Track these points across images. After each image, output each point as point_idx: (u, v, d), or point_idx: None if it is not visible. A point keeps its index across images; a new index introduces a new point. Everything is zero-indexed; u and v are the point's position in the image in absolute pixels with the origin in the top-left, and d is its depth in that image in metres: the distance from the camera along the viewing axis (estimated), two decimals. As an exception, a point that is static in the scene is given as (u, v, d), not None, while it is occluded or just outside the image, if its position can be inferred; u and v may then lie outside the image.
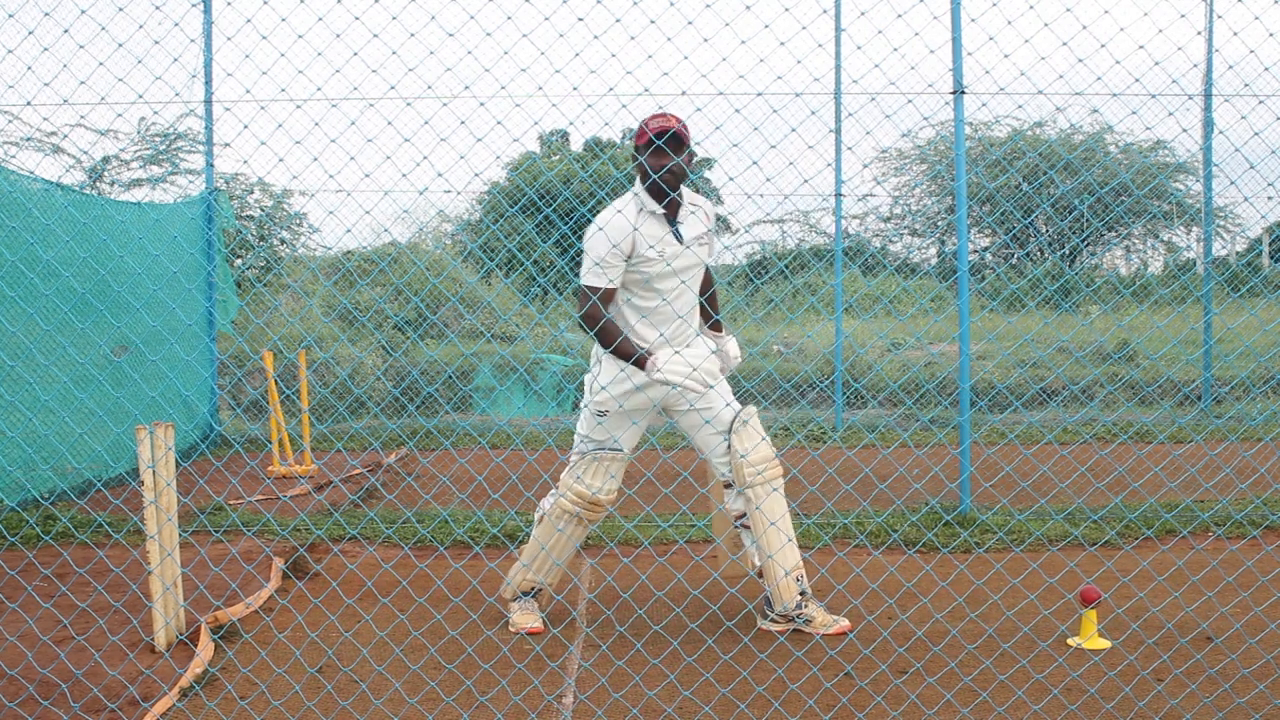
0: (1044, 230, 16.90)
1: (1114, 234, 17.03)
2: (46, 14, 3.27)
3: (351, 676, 3.58)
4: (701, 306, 4.20)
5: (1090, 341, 11.24)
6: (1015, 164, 14.76)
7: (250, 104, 3.29)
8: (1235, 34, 3.58)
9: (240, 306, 9.36)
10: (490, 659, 3.69)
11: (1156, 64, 3.57)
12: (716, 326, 4.24)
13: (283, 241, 14.13)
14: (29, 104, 3.50)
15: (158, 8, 3.43)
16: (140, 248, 7.61)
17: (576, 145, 15.66)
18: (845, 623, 4.02)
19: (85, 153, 13.46)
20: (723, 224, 16.27)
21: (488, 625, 4.12)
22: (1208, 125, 9.00)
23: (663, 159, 3.81)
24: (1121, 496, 6.05)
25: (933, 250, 17.16)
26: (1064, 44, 3.53)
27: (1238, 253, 16.27)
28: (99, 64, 3.22)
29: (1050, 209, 15.61)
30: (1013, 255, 17.01)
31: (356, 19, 3.12)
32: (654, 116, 3.84)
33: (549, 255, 12.05)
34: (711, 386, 3.86)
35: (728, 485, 4.07)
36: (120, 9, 3.30)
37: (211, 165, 8.77)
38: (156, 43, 3.51)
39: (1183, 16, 3.41)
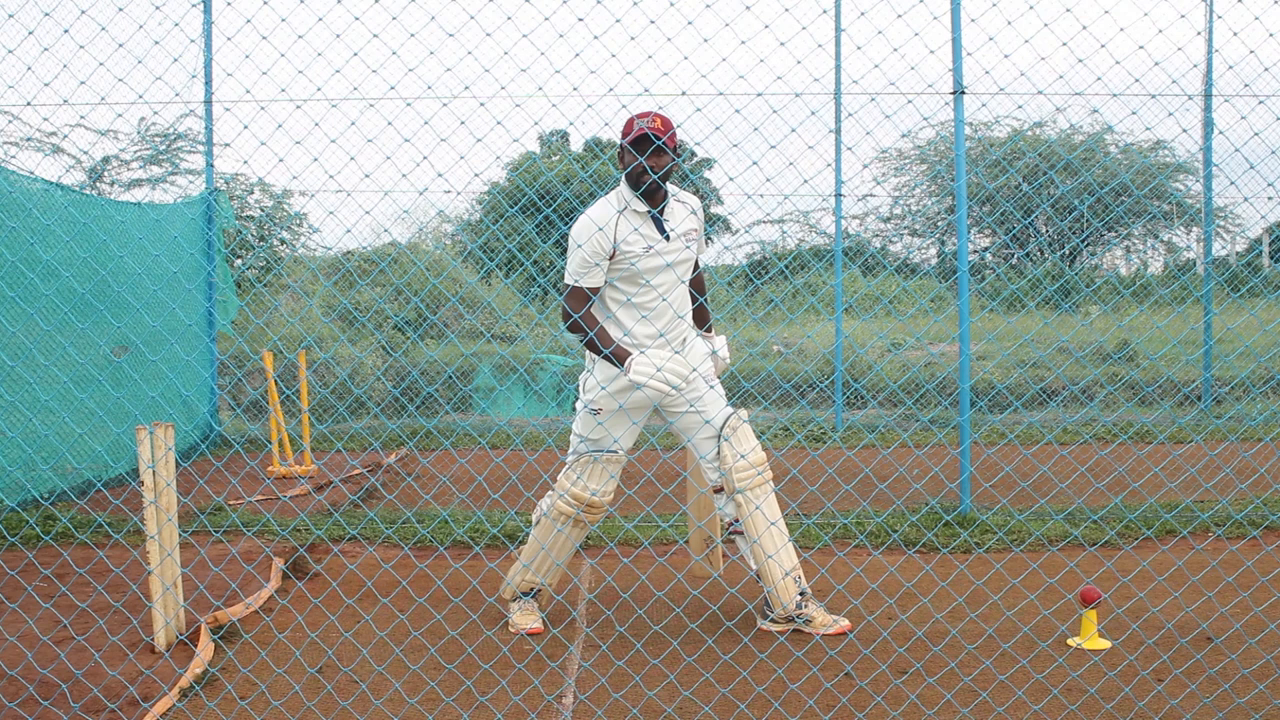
0: (1044, 230, 16.90)
1: (1114, 234, 17.03)
2: (46, 14, 3.28)
3: (351, 676, 3.58)
4: (697, 310, 4.20)
5: (1090, 341, 11.24)
6: (1015, 164, 14.76)
7: (250, 104, 3.29)
8: (1235, 34, 3.58)
9: (240, 307, 9.36)
10: (490, 659, 3.69)
11: (1156, 64, 3.57)
12: (709, 328, 4.25)
13: (283, 242, 14.13)
14: (29, 104, 3.50)
15: (158, 8, 3.43)
16: (140, 248, 7.61)
17: (576, 145, 15.67)
18: (845, 623, 4.02)
19: (85, 153, 13.47)
20: (723, 224, 16.27)
21: (488, 625, 4.12)
22: (1208, 125, 9.01)
23: (649, 158, 3.80)
24: (1121, 496, 6.05)
25: (933, 250, 17.16)
26: (1064, 44, 3.53)
27: (1238, 253, 16.27)
28: (99, 64, 3.23)
29: (1050, 209, 15.61)
30: (1013, 255, 17.01)
31: (356, 19, 3.13)
32: (641, 114, 3.84)
33: (549, 255, 12.05)
34: (677, 388, 3.85)
35: (717, 490, 4.06)
36: (120, 9, 3.30)
37: (211, 165, 8.77)
38: (156, 43, 3.51)
39: (1183, 17, 3.41)
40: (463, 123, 3.30)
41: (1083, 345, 11.19)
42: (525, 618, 4.11)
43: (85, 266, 6.66)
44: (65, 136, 13.02)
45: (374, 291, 12.31)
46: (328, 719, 3.22)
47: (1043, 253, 16.84)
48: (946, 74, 5.46)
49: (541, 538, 4.10)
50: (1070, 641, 3.82)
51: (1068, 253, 16.64)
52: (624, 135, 3.84)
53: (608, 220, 3.84)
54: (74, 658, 3.70)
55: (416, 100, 3.19)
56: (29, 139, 12.38)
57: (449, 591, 4.42)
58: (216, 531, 5.52)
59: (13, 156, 12.77)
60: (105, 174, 13.86)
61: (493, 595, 4.36)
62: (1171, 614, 4.09)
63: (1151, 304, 12.60)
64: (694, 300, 4.17)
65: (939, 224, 16.87)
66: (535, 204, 12.54)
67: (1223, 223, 16.69)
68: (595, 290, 3.89)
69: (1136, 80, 3.59)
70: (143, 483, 3.70)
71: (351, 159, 3.34)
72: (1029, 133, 15.65)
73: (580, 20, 3.24)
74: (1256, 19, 3.68)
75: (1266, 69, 3.52)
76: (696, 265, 4.18)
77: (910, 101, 3.73)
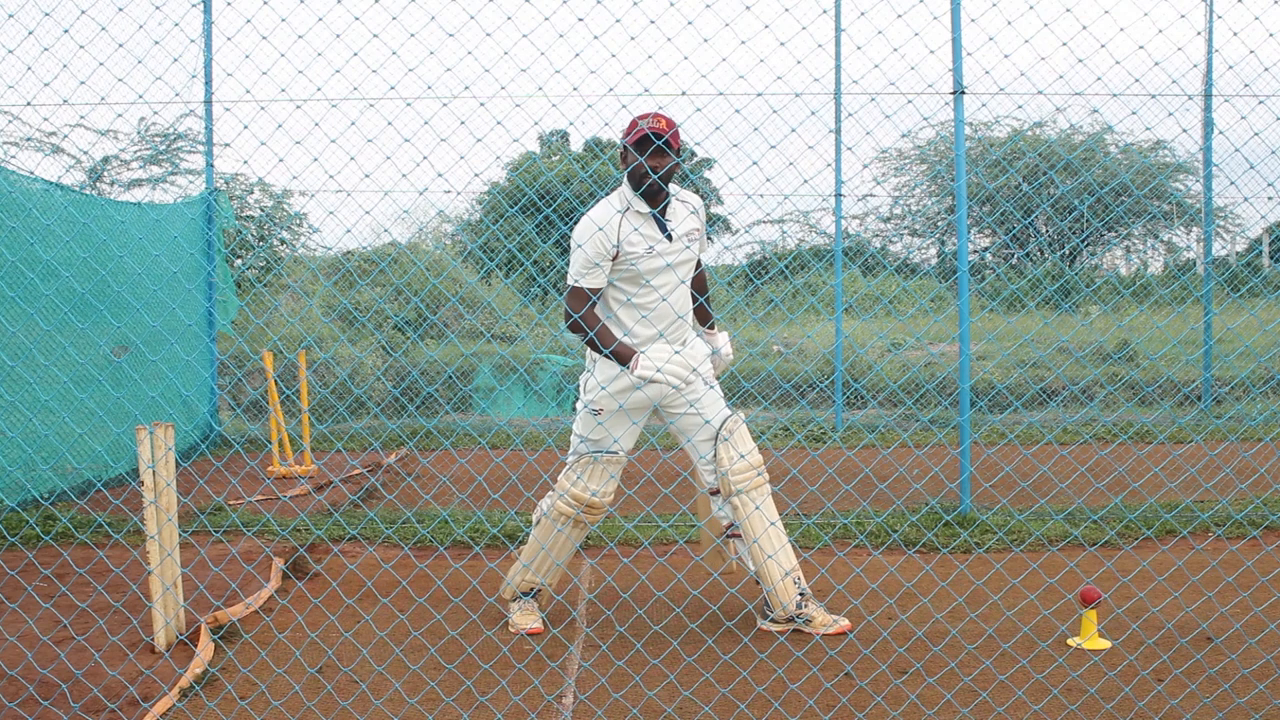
0: (1044, 230, 16.90)
1: (1114, 234, 17.03)
2: (47, 14, 3.28)
3: (351, 676, 3.58)
4: (699, 309, 4.20)
5: (1090, 341, 11.24)
6: (1015, 164, 14.76)
7: (250, 104, 3.29)
8: (1235, 34, 3.58)
9: (240, 307, 9.36)
10: (490, 659, 3.69)
11: (1156, 64, 3.57)
12: (711, 326, 4.24)
13: (283, 241, 14.12)
14: (29, 104, 3.50)
15: (158, 8, 3.44)
16: (140, 248, 7.61)
17: (576, 145, 15.67)
18: (845, 623, 4.02)
19: (85, 153, 13.47)
20: (723, 224, 16.27)
21: (488, 625, 4.12)
22: (1208, 125, 9.01)
23: (651, 159, 3.80)
24: (1121, 496, 6.05)
25: (933, 250, 17.16)
26: (1064, 44, 3.53)
27: (1238, 253, 16.27)
28: (99, 64, 3.23)
29: (1050, 209, 15.61)
30: (1013, 255, 17.01)
31: (356, 19, 3.13)
32: (643, 115, 3.83)
33: (549, 255, 12.05)
34: (680, 385, 3.82)
35: (714, 492, 4.06)
36: (120, 9, 3.30)
37: (211, 165, 8.77)
38: (156, 43, 3.51)
39: (1183, 17, 3.41)
40: (463, 123, 3.30)
41: (1083, 345, 11.19)
42: (525, 618, 4.11)
43: (85, 266, 6.66)
44: (65, 136, 13.03)
45: (374, 291, 12.32)
46: (328, 719, 3.22)
47: (1043, 253, 16.85)
48: (946, 74, 5.46)
49: (541, 538, 4.10)
50: (1070, 641, 3.82)
51: (1068, 253, 16.64)
52: (626, 135, 3.84)
53: (609, 221, 3.84)
54: (74, 658, 3.70)
55: (416, 100, 3.19)
56: (29, 139, 12.38)
57: (449, 591, 4.42)
58: (216, 531, 5.52)
59: (13, 156, 12.77)
60: (105, 174, 13.86)
61: (493, 595, 4.36)
62: (1171, 614, 4.09)
63: (1151, 304, 12.60)
64: (695, 300, 4.17)
65: (939, 224, 16.87)
66: (535, 204, 12.54)
67: (1223, 223, 16.69)
68: (596, 291, 3.88)
69: (1136, 80, 3.59)
70: (143, 483, 3.70)
71: (351, 159, 3.34)
72: (1029, 133, 15.65)
73: (580, 20, 3.24)
74: (1256, 19, 3.68)
75: (1266, 69, 3.52)
76: (698, 264, 4.18)
77: (910, 101, 3.73)
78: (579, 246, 3.85)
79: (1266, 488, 6.23)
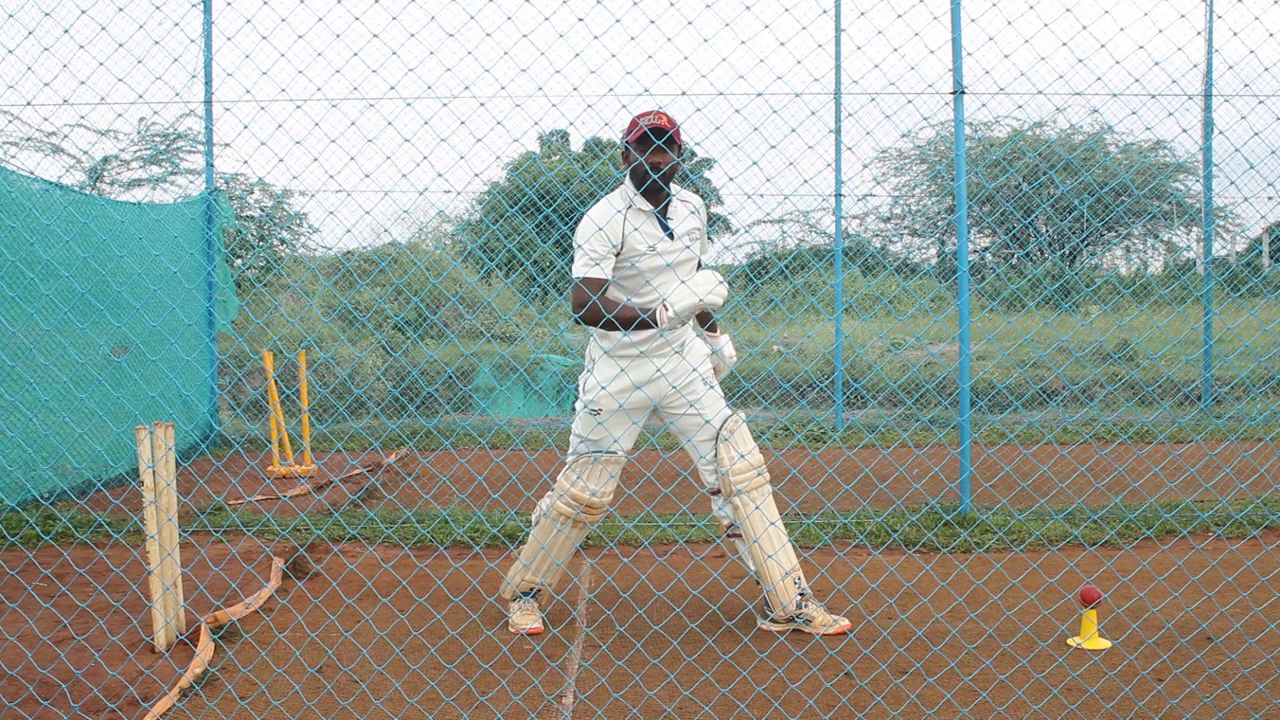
0: (1044, 230, 16.90)
1: (1114, 234, 17.03)
2: (47, 14, 3.28)
3: (351, 676, 3.58)
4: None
5: (1090, 341, 11.24)
6: (1015, 164, 14.76)
7: (250, 104, 3.29)
8: (1235, 34, 3.58)
9: (240, 306, 9.36)
10: (490, 659, 3.69)
11: (1156, 64, 3.57)
12: (713, 328, 4.24)
13: (283, 241, 14.13)
14: (29, 104, 3.50)
15: (158, 8, 3.44)
16: (140, 248, 7.61)
17: (576, 145, 15.67)
18: (845, 623, 4.02)
19: (85, 153, 13.46)
20: (723, 224, 16.27)
21: (488, 625, 4.12)
22: (1208, 125, 9.01)
23: (653, 156, 3.79)
24: (1121, 496, 6.05)
25: (933, 250, 17.16)
26: (1064, 44, 3.53)
27: (1238, 253, 16.27)
28: (99, 64, 3.23)
29: (1050, 209, 15.61)
30: (1013, 255, 17.01)
31: (356, 19, 3.13)
32: (644, 114, 3.83)
33: (549, 255, 12.05)
34: (718, 302, 3.74)
35: (714, 493, 4.06)
36: (120, 9, 3.30)
37: (211, 165, 8.77)
38: (156, 43, 3.51)
39: (1183, 17, 3.41)
40: (463, 123, 3.30)
41: (1083, 345, 11.19)
42: (525, 618, 4.11)
43: (85, 266, 6.66)
44: (65, 136, 13.03)
45: (374, 291, 12.32)
46: (328, 719, 3.22)
47: (1043, 253, 16.84)
48: (946, 74, 5.46)
49: (541, 538, 4.10)
50: (1070, 641, 3.82)
51: (1068, 253, 16.64)
52: (627, 134, 3.84)
53: (611, 219, 3.83)
54: (74, 658, 3.70)
55: (416, 100, 3.19)
56: (29, 139, 12.38)
57: (449, 591, 4.42)
58: (216, 531, 5.52)
59: (13, 156, 12.77)
60: (105, 174, 13.86)
61: (493, 595, 4.36)
62: (1171, 614, 4.09)
63: (1151, 304, 12.60)
64: None
65: (939, 224, 16.87)
66: (535, 204, 12.54)
67: (1223, 223, 16.69)
68: (604, 282, 3.83)
69: (1136, 80, 3.59)
70: (143, 483, 3.70)
71: (351, 159, 3.34)
72: (1029, 133, 15.65)
73: (580, 20, 3.24)
74: (1256, 19, 3.68)
75: (1266, 69, 3.52)
76: (699, 265, 4.17)
77: (910, 101, 3.73)
78: (580, 246, 3.84)
79: (1266, 488, 6.23)
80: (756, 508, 3.97)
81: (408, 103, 3.18)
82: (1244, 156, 3.64)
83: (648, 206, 3.87)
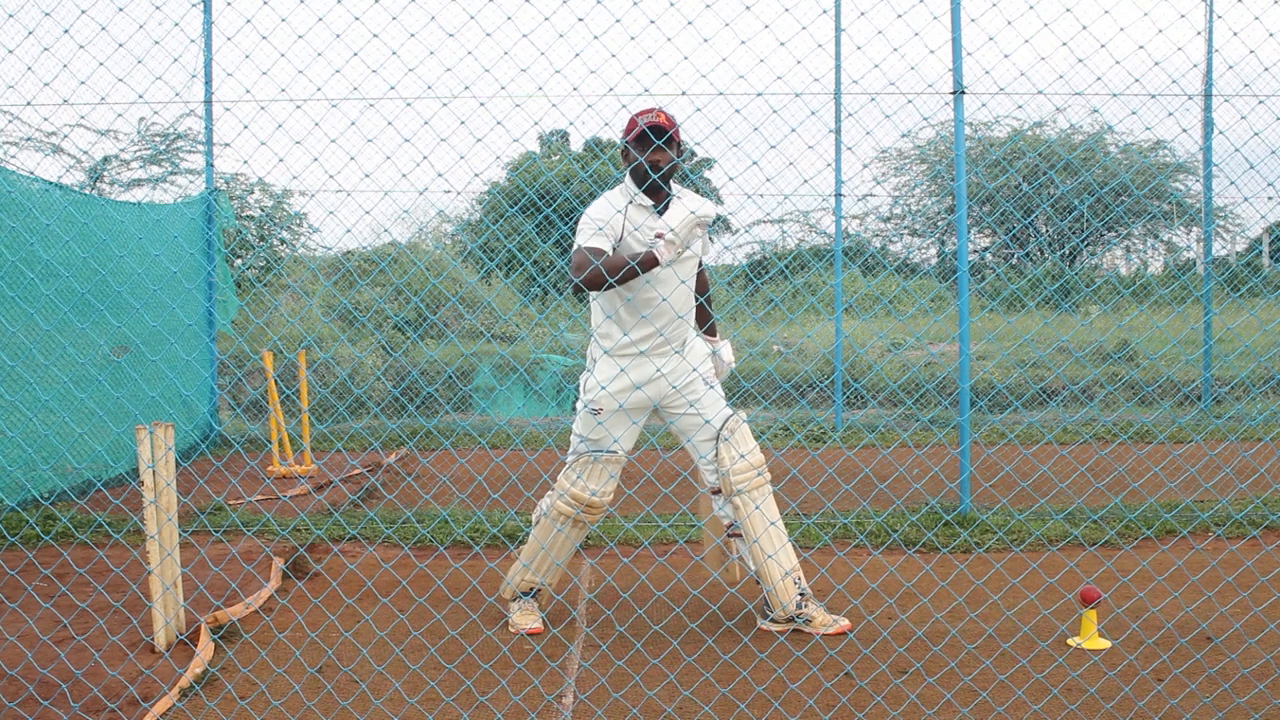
0: (1044, 230, 16.90)
1: (1114, 234, 17.03)
2: (47, 14, 3.28)
3: (351, 676, 3.58)
4: (698, 309, 4.19)
5: (1090, 341, 11.24)
6: (1015, 164, 14.76)
7: (250, 104, 3.29)
8: (1235, 34, 3.58)
9: (240, 306, 9.36)
10: (490, 659, 3.69)
11: (1156, 64, 3.57)
12: (712, 330, 4.24)
13: (283, 241, 14.13)
14: (29, 104, 3.50)
15: (158, 8, 3.43)
16: (140, 248, 7.61)
17: (576, 145, 15.67)
18: (845, 623, 4.02)
19: (85, 153, 13.46)
20: (723, 224, 16.26)
21: (488, 625, 4.12)
22: (1208, 125, 9.01)
23: (652, 155, 3.79)
24: (1121, 496, 6.05)
25: (933, 250, 17.16)
26: (1064, 44, 3.53)
27: (1238, 253, 16.27)
28: (99, 64, 3.23)
29: (1050, 209, 15.61)
30: (1013, 255, 17.01)
31: (356, 19, 3.13)
32: (643, 112, 3.83)
33: (549, 255, 12.05)
34: (709, 217, 3.72)
35: (715, 492, 4.06)
36: (120, 9, 3.30)
37: (211, 165, 8.77)
38: (156, 43, 3.51)
39: (1183, 16, 3.41)
40: (463, 123, 3.30)
41: (1083, 345, 11.19)
42: (525, 617, 4.11)
43: (85, 266, 6.66)
44: (65, 136, 13.03)
45: (374, 291, 12.32)
46: (328, 719, 3.22)
47: (1043, 253, 16.85)
48: (946, 74, 5.46)
49: (541, 538, 4.10)
50: (1070, 641, 3.82)
51: (1068, 253, 16.64)
52: (626, 133, 3.84)
53: (610, 215, 3.84)
54: (74, 658, 3.70)
55: (416, 100, 3.19)
56: (29, 139, 12.38)
57: (449, 591, 4.42)
58: (216, 531, 5.52)
59: (13, 156, 12.77)
60: (105, 174, 13.86)
61: (493, 595, 4.36)
62: (1171, 614, 4.09)
63: (1151, 304, 12.60)
64: (702, 299, 4.17)
65: (939, 224, 16.87)
66: (535, 204, 12.54)
67: (1223, 223, 16.69)
68: (604, 253, 3.79)
69: (1136, 80, 3.59)
70: (143, 483, 3.70)
71: (351, 159, 3.34)
72: (1029, 133, 15.65)
73: (580, 20, 3.24)
74: (1256, 19, 3.68)
75: (1266, 69, 3.52)
76: (700, 264, 4.18)
77: (910, 101, 3.73)
78: (583, 229, 3.84)
79: (1266, 488, 6.23)
80: (757, 508, 3.97)
81: (408, 103, 3.18)
82: (1244, 156, 3.64)
83: (648, 202, 3.88)
